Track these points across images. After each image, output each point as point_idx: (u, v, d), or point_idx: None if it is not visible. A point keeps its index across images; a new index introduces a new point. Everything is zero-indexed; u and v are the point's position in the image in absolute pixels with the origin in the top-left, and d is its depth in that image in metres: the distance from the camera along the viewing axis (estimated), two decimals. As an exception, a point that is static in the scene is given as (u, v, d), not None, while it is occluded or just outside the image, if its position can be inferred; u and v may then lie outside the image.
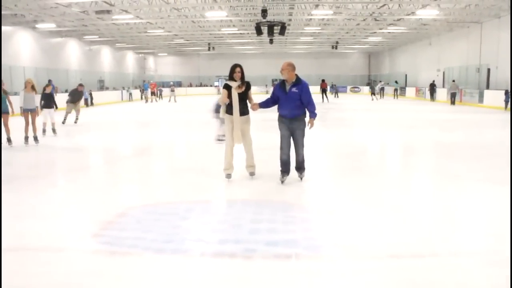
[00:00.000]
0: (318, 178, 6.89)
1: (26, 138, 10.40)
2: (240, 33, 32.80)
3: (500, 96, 21.31)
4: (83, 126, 14.79)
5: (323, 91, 30.58)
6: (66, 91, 25.06)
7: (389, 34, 32.66)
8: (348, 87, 46.66)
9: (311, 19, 26.96)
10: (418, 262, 3.61)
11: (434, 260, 3.63)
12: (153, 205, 5.38)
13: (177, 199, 5.70)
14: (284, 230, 4.40)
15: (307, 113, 6.12)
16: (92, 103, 27.01)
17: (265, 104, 6.35)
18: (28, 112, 10.47)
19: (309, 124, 6.09)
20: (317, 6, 22.30)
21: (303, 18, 26.96)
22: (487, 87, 24.51)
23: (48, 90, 12.42)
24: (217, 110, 9.53)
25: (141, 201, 5.66)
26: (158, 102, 32.50)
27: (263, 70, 44.70)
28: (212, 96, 37.20)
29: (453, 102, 25.54)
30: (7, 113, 10.03)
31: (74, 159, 9.18)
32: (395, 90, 34.90)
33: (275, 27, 24.44)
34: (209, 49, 40.17)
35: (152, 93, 32.90)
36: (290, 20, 26.83)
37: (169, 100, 31.64)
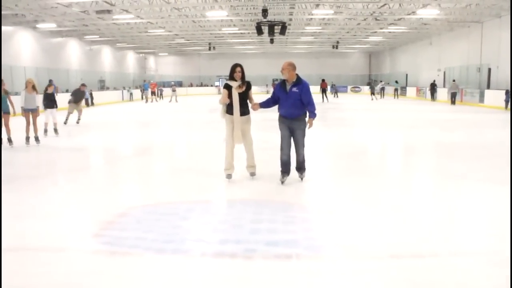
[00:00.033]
0: (319, 178, 6.89)
1: (27, 138, 10.39)
2: (241, 33, 32.80)
3: (501, 96, 21.30)
4: (83, 126, 14.80)
5: (323, 91, 30.61)
6: (67, 91, 25.12)
7: (389, 33, 32.65)
8: (349, 87, 46.64)
9: (311, 18, 26.95)
10: (418, 262, 3.61)
11: (434, 260, 3.63)
12: (153, 205, 5.39)
13: (177, 199, 5.71)
14: (285, 230, 4.41)
15: (308, 113, 6.11)
16: (92, 103, 27.02)
17: (265, 104, 6.35)
18: (29, 112, 10.46)
19: (308, 124, 6.07)
20: (317, 5, 22.28)
21: (303, 18, 26.95)
22: (488, 87, 24.49)
23: (50, 90, 12.39)
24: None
25: (141, 201, 5.66)
26: (159, 102, 32.48)
27: (264, 70, 44.71)
28: (213, 96, 37.25)
29: (453, 102, 25.52)
30: (8, 113, 10.02)
31: (74, 159, 9.19)
32: (395, 90, 34.86)
33: (275, 27, 24.45)
34: (209, 49, 40.17)
35: (153, 93, 32.89)
36: (290, 19, 26.82)
37: (170, 100, 31.63)
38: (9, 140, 9.99)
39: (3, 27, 22.37)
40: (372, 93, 33.03)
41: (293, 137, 6.13)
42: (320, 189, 6.32)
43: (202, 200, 5.62)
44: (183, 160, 9.37)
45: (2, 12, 19.73)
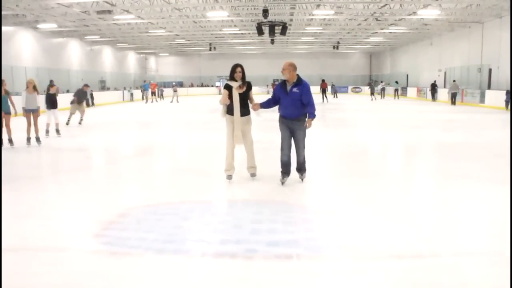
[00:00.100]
0: (319, 178, 6.89)
1: (28, 139, 10.37)
2: (241, 33, 32.82)
3: (502, 96, 21.29)
4: (84, 126, 14.79)
5: (323, 91, 30.66)
6: (67, 91, 25.13)
7: (390, 34, 32.65)
8: (350, 87, 46.64)
9: (312, 19, 26.96)
10: (419, 263, 3.61)
11: (435, 261, 3.63)
12: (154, 205, 5.39)
13: (178, 200, 5.70)
14: (285, 230, 4.41)
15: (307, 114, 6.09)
16: (93, 103, 27.02)
17: (266, 104, 6.35)
18: (30, 113, 10.44)
19: (307, 124, 6.02)
20: (318, 6, 22.29)
21: (304, 18, 26.97)
22: (489, 87, 24.48)
23: (52, 91, 12.33)
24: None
25: (142, 202, 5.66)
26: (159, 102, 32.47)
27: (264, 70, 44.70)
28: (214, 96, 37.25)
29: (453, 102, 25.53)
30: (9, 113, 10.00)
31: (75, 159, 9.19)
32: (396, 90, 34.88)
33: (276, 27, 24.45)
34: (210, 49, 40.20)
35: (153, 93, 32.89)
36: (291, 20, 26.84)
37: (172, 101, 31.62)
38: (10, 141, 9.98)
39: (4, 28, 22.40)
40: (372, 93, 33.08)
41: (293, 138, 6.11)
42: (321, 190, 6.32)
43: (203, 201, 5.63)
44: (184, 160, 9.37)
45: (3, 13, 19.76)
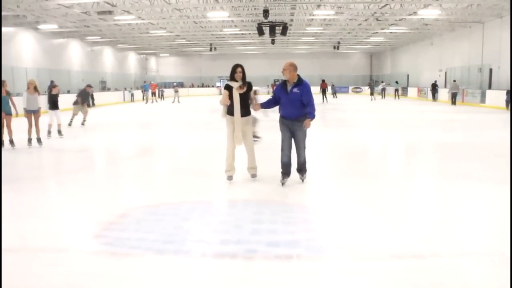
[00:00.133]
0: (319, 178, 6.89)
1: (30, 140, 10.36)
2: (242, 34, 32.82)
3: (502, 96, 21.28)
4: (85, 127, 14.77)
5: (323, 91, 30.70)
6: (68, 91, 25.14)
7: (391, 34, 32.64)
8: (350, 87, 46.66)
9: (312, 19, 26.96)
10: (419, 263, 3.60)
11: (435, 261, 3.62)
12: (154, 205, 5.39)
13: (178, 200, 5.70)
14: (285, 231, 4.40)
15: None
16: (93, 104, 27.00)
17: (266, 105, 6.34)
18: (31, 114, 10.44)
19: (305, 124, 5.91)
20: (318, 6, 22.29)
21: (304, 18, 26.97)
22: (489, 87, 24.47)
23: (54, 91, 12.27)
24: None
25: (142, 202, 5.66)
26: (159, 102, 32.46)
27: (265, 70, 44.68)
28: (215, 96, 37.24)
29: (454, 102, 25.54)
30: (10, 114, 9.99)
31: (75, 160, 9.19)
32: (396, 90, 34.95)
33: (276, 28, 24.46)
34: (210, 50, 40.20)
35: (153, 94, 32.88)
36: (291, 20, 26.84)
37: (173, 101, 31.59)
38: (11, 142, 9.96)
39: (4, 28, 22.42)
40: (371, 93, 33.21)
41: (294, 139, 6.08)
42: (321, 190, 6.31)
43: (203, 201, 5.62)
44: (184, 161, 9.37)
45: (4, 13, 19.77)
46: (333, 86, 37.22)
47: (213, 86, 48.45)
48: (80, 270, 3.55)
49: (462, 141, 11.12)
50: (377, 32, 31.78)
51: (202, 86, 50.23)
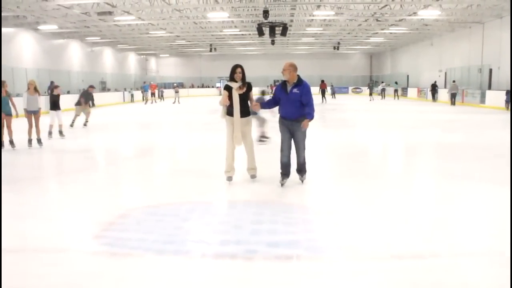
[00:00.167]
0: (319, 179, 6.89)
1: (30, 140, 10.34)
2: (242, 34, 32.83)
3: (502, 96, 21.29)
4: (85, 127, 14.75)
5: (323, 92, 30.79)
6: (68, 92, 25.14)
7: (390, 34, 32.65)
8: (350, 88, 46.69)
9: (312, 19, 26.97)
10: (419, 263, 3.61)
11: (435, 261, 3.63)
12: (154, 206, 5.39)
13: (178, 200, 5.70)
14: (285, 231, 4.41)
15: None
16: (93, 104, 26.95)
17: (266, 105, 6.33)
18: (31, 114, 10.43)
19: (303, 125, 5.84)
20: (318, 6, 22.30)
21: (304, 19, 26.98)
22: (489, 88, 24.48)
23: (56, 92, 12.21)
24: (252, 112, 9.45)
25: (142, 202, 5.66)
26: (158, 103, 32.42)
27: (265, 71, 44.70)
28: (215, 97, 37.24)
29: (453, 103, 25.59)
30: (10, 115, 9.98)
31: (76, 160, 9.19)
32: (395, 90, 35.17)
33: (276, 28, 24.45)
34: (210, 50, 40.20)
35: (152, 94, 32.88)
36: (291, 21, 26.85)
37: (174, 102, 31.55)
38: (11, 143, 9.95)
39: (4, 29, 22.42)
40: (370, 93, 33.71)
41: (293, 139, 6.05)
42: (321, 190, 6.31)
43: (203, 201, 5.62)
44: (184, 161, 9.37)
45: (4, 14, 19.77)
46: (332, 87, 37.28)
47: (213, 87, 48.46)
48: (80, 270, 3.55)
49: (462, 142, 11.12)
50: (377, 33, 31.79)
51: (202, 86, 50.23)
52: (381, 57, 48.65)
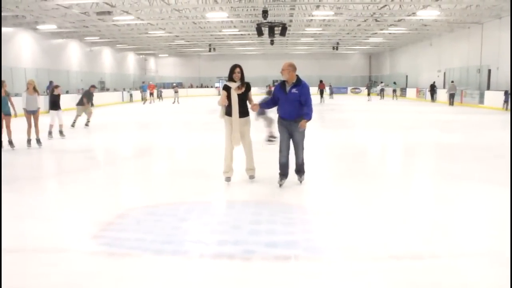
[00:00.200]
0: (318, 179, 6.89)
1: (29, 141, 10.31)
2: (241, 34, 32.81)
3: (501, 97, 21.33)
4: (84, 127, 14.71)
5: (321, 92, 30.88)
6: (67, 92, 25.11)
7: (389, 35, 32.66)
8: (349, 88, 46.74)
9: (312, 20, 26.96)
10: (418, 264, 3.61)
11: (434, 262, 3.63)
12: (153, 206, 5.38)
13: (177, 200, 5.70)
14: (284, 231, 4.40)
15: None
16: (92, 104, 26.91)
17: (265, 105, 6.32)
18: (30, 114, 10.40)
19: (300, 125, 5.77)
20: (318, 7, 22.30)
21: (304, 19, 26.97)
22: (488, 88, 24.50)
23: (56, 92, 12.15)
24: (260, 112, 9.46)
25: (141, 202, 5.66)
26: (155, 103, 32.38)
27: (264, 71, 44.71)
28: (213, 97, 37.24)
29: (451, 103, 25.65)
30: (9, 115, 9.96)
31: (75, 160, 9.19)
32: (394, 91, 35.47)
33: (275, 28, 24.45)
34: (210, 50, 40.19)
35: (151, 94, 32.85)
36: (291, 21, 26.84)
37: (174, 102, 31.51)
38: (10, 143, 9.92)
39: (3, 29, 22.38)
40: (368, 93, 34.26)
41: (292, 140, 6.02)
42: (320, 191, 6.31)
43: (201, 201, 5.62)
44: (183, 161, 9.37)
45: (3, 14, 19.74)
46: (330, 87, 37.36)
47: (212, 87, 48.45)
48: (79, 270, 3.55)
49: (461, 142, 11.13)
50: (376, 33, 31.80)
51: (201, 86, 50.21)
52: (380, 57, 48.67)
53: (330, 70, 47.23)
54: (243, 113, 6.09)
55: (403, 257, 3.72)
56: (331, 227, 4.57)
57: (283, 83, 6.03)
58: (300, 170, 6.24)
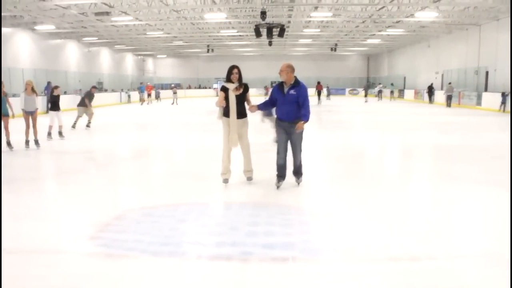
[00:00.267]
0: (316, 181, 6.88)
1: (27, 142, 10.26)
2: (239, 35, 32.84)
3: (498, 98, 21.38)
4: (81, 129, 14.65)
5: (318, 93, 30.95)
6: (65, 92, 25.06)
7: (388, 36, 32.72)
8: (347, 89, 46.81)
9: (310, 21, 27.00)
10: (416, 265, 3.61)
11: (431, 263, 3.63)
12: (150, 207, 5.38)
13: (174, 202, 5.69)
14: (281, 233, 4.40)
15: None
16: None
17: (263, 106, 6.28)
18: (28, 115, 10.37)
19: (297, 127, 5.73)
20: (316, 8, 22.33)
21: (302, 20, 27.00)
22: (486, 90, 24.56)
23: (56, 92, 12.08)
24: (267, 113, 9.43)
25: (139, 204, 5.65)
26: (153, 103, 32.33)
27: (262, 72, 44.76)
28: (212, 98, 37.21)
29: (448, 105, 25.71)
30: (7, 115, 9.92)
31: (73, 161, 9.18)
32: (391, 92, 35.83)
33: (274, 29, 24.49)
34: (208, 51, 40.18)
35: (148, 95, 32.83)
36: (289, 22, 26.87)
37: (173, 103, 31.47)
38: (8, 144, 9.88)
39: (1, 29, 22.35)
40: (365, 95, 34.84)
41: (290, 141, 5.98)
42: (317, 192, 6.31)
43: (199, 203, 5.61)
44: (180, 162, 9.36)
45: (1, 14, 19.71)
46: (328, 88, 37.45)
47: (210, 88, 48.46)
48: (76, 272, 3.54)
49: (459, 144, 11.15)
50: (374, 34, 31.86)
51: (199, 87, 50.21)
52: (378, 59, 48.74)
53: (328, 72, 47.31)
54: (241, 114, 6.07)
55: (400, 259, 3.73)
56: (329, 228, 4.57)
57: (281, 84, 5.99)
58: (298, 172, 6.22)
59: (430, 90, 30.39)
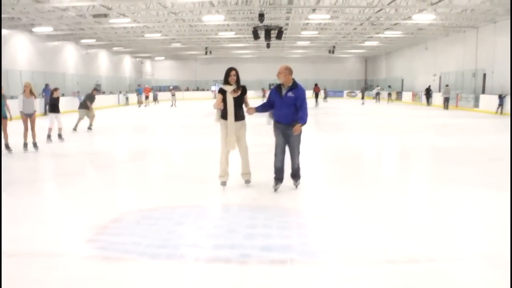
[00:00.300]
0: (314, 183, 6.89)
1: (25, 144, 10.19)
2: (237, 37, 32.84)
3: (496, 101, 21.45)
4: (83, 131, 14.58)
5: (316, 95, 31.00)
6: (63, 94, 25.01)
7: (385, 38, 32.81)
8: (345, 92, 46.88)
9: (308, 23, 27.02)
10: (414, 267, 3.61)
11: (430, 265, 3.64)
12: (148, 210, 5.37)
13: (172, 204, 5.68)
14: (279, 235, 4.40)
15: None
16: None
17: (261, 108, 6.26)
18: (27, 117, 10.31)
19: (294, 129, 5.71)
20: (314, 10, 22.35)
21: (300, 23, 27.03)
22: (483, 92, 24.63)
23: (56, 95, 12.03)
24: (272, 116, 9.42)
25: (136, 206, 5.64)
26: (151, 106, 32.31)
27: (260, 74, 44.79)
28: (210, 100, 37.20)
29: (446, 107, 25.77)
30: (6, 118, 9.87)
31: (71, 164, 9.16)
32: (389, 94, 36.01)
33: (272, 32, 24.52)
34: (206, 53, 40.18)
35: (146, 97, 32.79)
36: (287, 24, 26.89)
37: (171, 105, 31.43)
38: (7, 147, 9.82)
39: (-1, 31, 22.35)
40: (362, 97, 35.44)
41: (288, 144, 5.96)
42: (315, 194, 6.30)
43: (197, 205, 5.61)
44: (178, 165, 9.36)
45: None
46: (325, 90, 37.51)
47: (208, 90, 48.46)
48: (74, 274, 3.53)
49: (457, 146, 11.18)
50: (372, 37, 31.95)
51: (197, 89, 50.20)
52: (376, 61, 48.83)
53: (326, 74, 47.37)
54: (239, 116, 6.05)
55: (399, 261, 3.73)
56: (327, 231, 4.57)
57: (279, 87, 5.97)
58: (295, 175, 6.20)
59: (428, 93, 30.48)
